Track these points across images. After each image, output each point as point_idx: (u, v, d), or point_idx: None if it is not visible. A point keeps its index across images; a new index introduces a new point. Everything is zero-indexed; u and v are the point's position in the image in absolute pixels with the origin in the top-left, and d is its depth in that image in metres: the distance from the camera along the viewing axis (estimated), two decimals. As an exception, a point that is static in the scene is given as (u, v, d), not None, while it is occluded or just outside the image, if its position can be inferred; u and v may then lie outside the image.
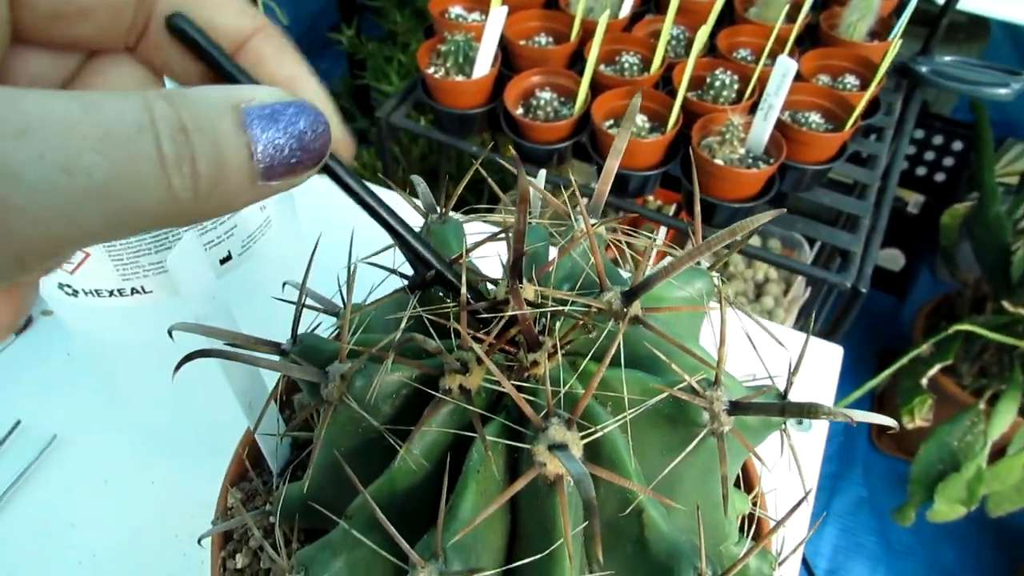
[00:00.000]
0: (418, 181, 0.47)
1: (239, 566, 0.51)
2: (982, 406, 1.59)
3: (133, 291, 0.54)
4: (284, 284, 0.54)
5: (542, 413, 0.32)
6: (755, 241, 1.67)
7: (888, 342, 2.19)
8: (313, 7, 2.84)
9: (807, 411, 0.32)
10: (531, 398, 0.35)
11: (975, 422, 1.58)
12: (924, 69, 1.34)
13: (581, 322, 0.37)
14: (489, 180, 0.48)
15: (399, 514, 0.36)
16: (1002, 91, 1.28)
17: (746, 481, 0.52)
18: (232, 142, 0.25)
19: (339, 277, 0.46)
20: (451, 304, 0.37)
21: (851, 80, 1.22)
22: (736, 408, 0.34)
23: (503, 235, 0.42)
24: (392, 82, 2.09)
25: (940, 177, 2.20)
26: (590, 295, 0.37)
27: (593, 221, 0.42)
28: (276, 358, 0.41)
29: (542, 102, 1.16)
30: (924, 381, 1.64)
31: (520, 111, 1.17)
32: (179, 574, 0.73)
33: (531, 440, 0.32)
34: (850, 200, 1.17)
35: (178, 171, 0.23)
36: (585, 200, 0.44)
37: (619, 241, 0.43)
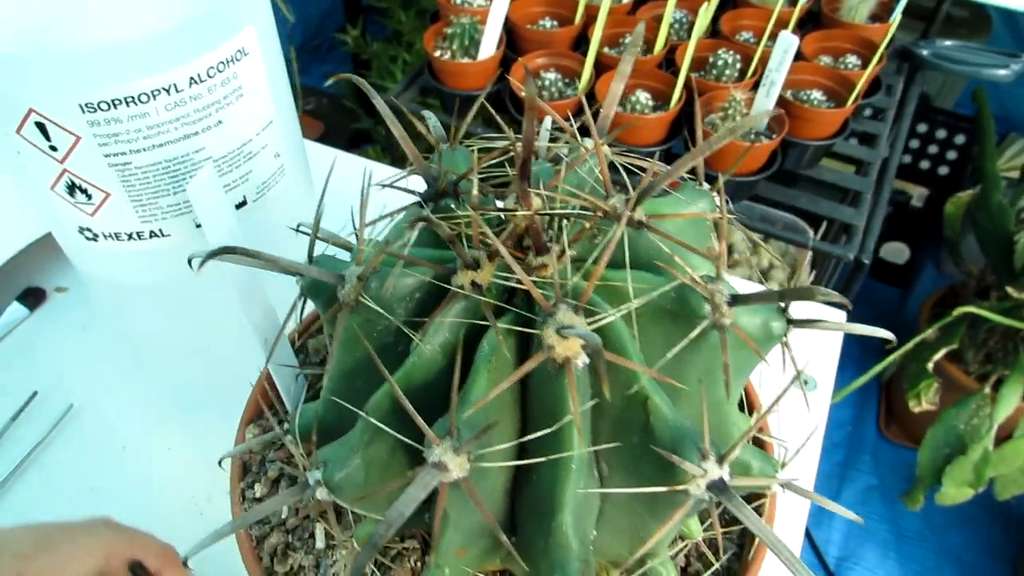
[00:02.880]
0: (428, 115, 0.49)
1: (258, 495, 0.52)
2: (988, 390, 1.59)
3: (152, 234, 0.55)
4: (298, 226, 0.56)
5: (552, 301, 0.34)
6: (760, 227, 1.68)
7: (894, 334, 2.19)
8: (320, 9, 2.87)
9: (805, 294, 0.34)
10: (541, 291, 0.36)
11: (981, 406, 1.59)
12: (925, 52, 1.35)
13: (588, 226, 0.38)
14: (496, 116, 0.50)
15: (415, 407, 0.37)
16: (1001, 72, 1.29)
17: (749, 408, 0.53)
18: None
19: (353, 208, 0.47)
20: (461, 214, 0.39)
21: (852, 60, 1.24)
22: (736, 300, 0.35)
23: (511, 154, 0.43)
24: (397, 80, 2.12)
25: (943, 171, 2.21)
26: (597, 200, 0.38)
27: (601, 140, 0.43)
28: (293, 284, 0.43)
29: (547, 82, 1.18)
30: (930, 365, 1.65)
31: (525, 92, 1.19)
32: (197, 533, 0.74)
33: (540, 325, 0.33)
34: (854, 176, 1.19)
35: None
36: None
37: (628, 165, 0.44)
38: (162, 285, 0.61)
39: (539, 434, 0.33)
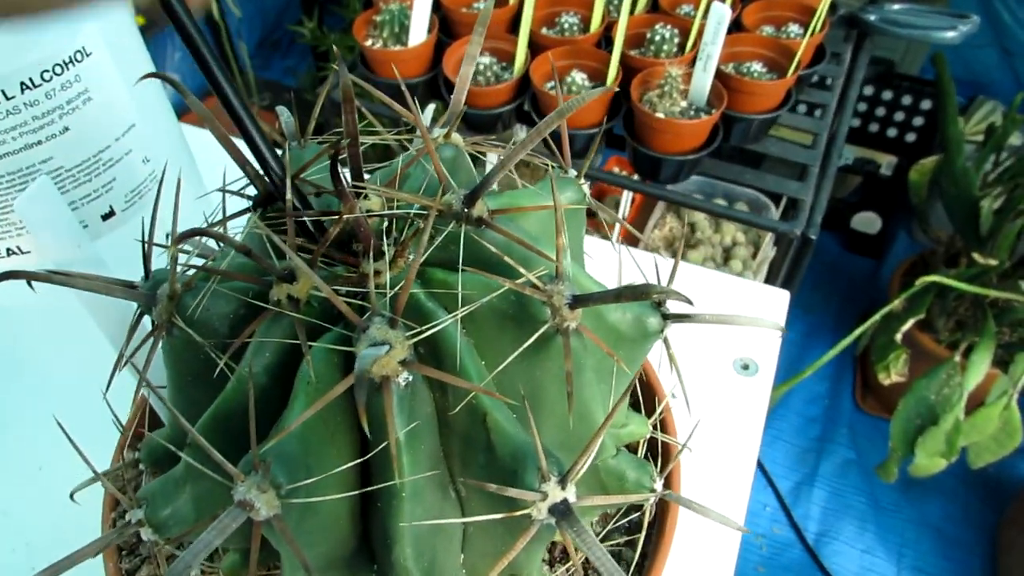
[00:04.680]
0: (281, 111, 0.45)
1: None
2: (957, 359, 1.57)
3: (9, 252, 0.52)
4: (167, 235, 0.52)
5: (366, 316, 0.31)
6: (722, 203, 1.65)
7: (868, 305, 2.17)
8: (278, 2, 2.82)
9: (641, 292, 0.31)
10: (360, 303, 0.33)
11: (951, 375, 1.57)
12: (872, 17, 1.32)
13: (422, 226, 0.35)
14: (368, 115, 0.46)
15: (237, 437, 0.34)
16: (949, 34, 1.26)
17: (648, 406, 0.50)
18: None
19: (204, 212, 0.44)
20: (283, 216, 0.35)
21: (795, 29, 1.20)
22: (577, 301, 0.32)
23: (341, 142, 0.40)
24: (353, 71, 2.07)
25: (911, 137, 2.18)
26: (430, 198, 0.35)
27: (441, 131, 0.40)
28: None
29: (482, 67, 1.14)
30: (898, 336, 1.62)
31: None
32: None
33: (355, 343, 0.30)
34: (798, 149, 1.15)
35: None
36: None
37: (480, 154, 0.41)
38: (37, 307, 0.57)
39: (356, 462, 0.30)
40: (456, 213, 0.34)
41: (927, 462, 1.56)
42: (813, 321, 2.12)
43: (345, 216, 0.33)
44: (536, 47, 1.14)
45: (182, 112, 0.73)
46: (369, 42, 1.19)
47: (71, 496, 0.44)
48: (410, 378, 0.30)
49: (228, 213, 0.40)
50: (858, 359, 2.09)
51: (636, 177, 1.59)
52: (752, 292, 0.88)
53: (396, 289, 0.32)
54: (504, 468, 0.31)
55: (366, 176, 0.40)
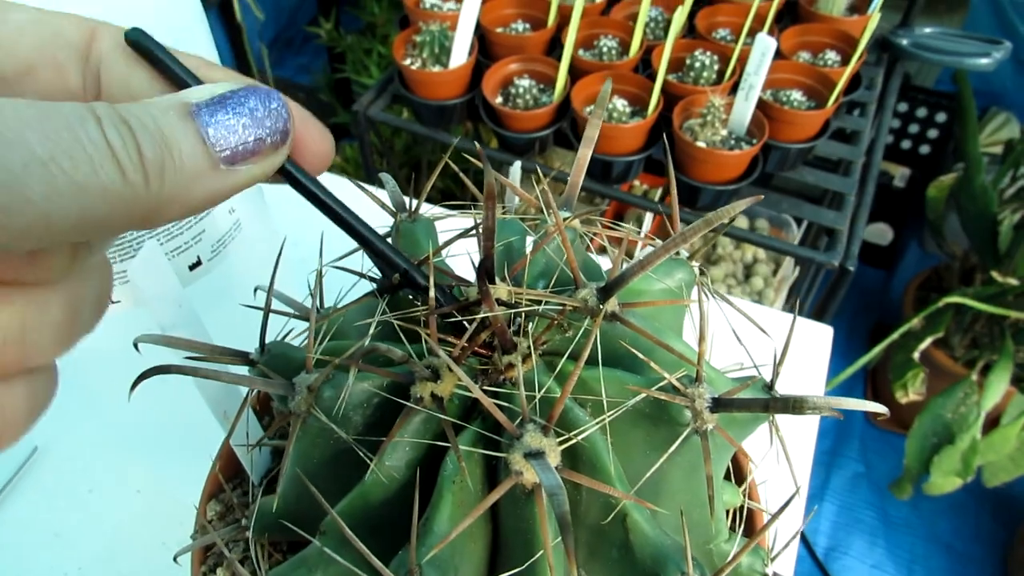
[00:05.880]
0: (386, 179, 0.45)
1: (221, 581, 0.50)
2: (975, 377, 1.58)
3: (100, 303, 0.52)
4: (256, 289, 0.53)
5: (517, 420, 0.31)
6: (743, 222, 1.66)
7: (879, 316, 2.19)
8: (292, 2, 2.81)
9: (793, 406, 0.31)
10: (506, 404, 0.34)
11: (968, 393, 1.58)
12: (905, 42, 1.32)
13: (556, 321, 0.35)
14: (462, 175, 0.47)
15: (376, 528, 0.34)
16: (983, 61, 1.26)
17: (736, 472, 0.51)
18: (178, 129, 0.25)
19: (309, 281, 0.44)
20: (421, 307, 0.36)
21: (832, 56, 1.20)
22: (719, 405, 0.33)
23: (474, 232, 0.40)
24: (372, 74, 2.07)
25: (925, 149, 2.19)
26: (565, 292, 0.35)
27: (567, 215, 0.40)
28: (243, 369, 0.40)
29: (521, 90, 1.14)
30: (916, 355, 1.63)
31: (499, 100, 1.16)
32: (171, 581, 0.72)
33: (507, 448, 0.31)
34: (835, 178, 1.16)
35: (125, 154, 0.23)
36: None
37: (595, 234, 0.41)
38: (116, 351, 0.57)
39: (511, 574, 0.31)
40: (591, 309, 0.35)
41: (942, 481, 1.57)
42: (825, 333, 2.12)
43: (487, 316, 0.33)
44: (575, 71, 1.14)
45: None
46: (408, 61, 1.19)
47: (175, 559, 0.45)
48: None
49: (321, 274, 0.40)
50: (870, 373, 2.10)
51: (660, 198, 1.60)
52: (797, 327, 0.88)
53: (543, 391, 0.33)
54: (643, 569, 0.32)
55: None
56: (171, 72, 0.29)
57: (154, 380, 0.67)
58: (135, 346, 0.42)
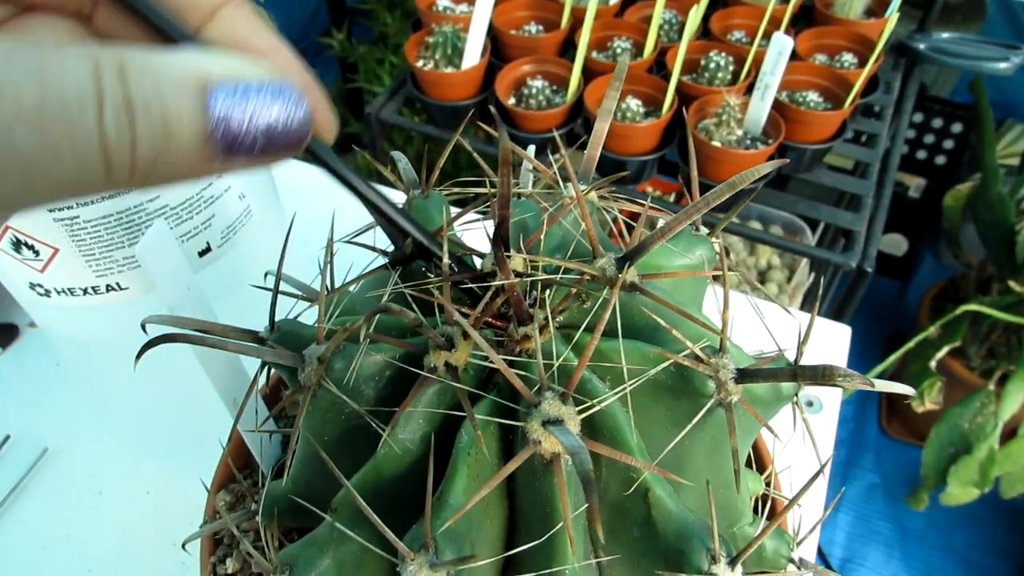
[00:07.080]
0: (399, 157, 0.45)
1: (230, 571, 0.48)
2: (992, 387, 1.56)
3: (108, 288, 0.51)
4: (266, 274, 0.52)
5: (535, 388, 0.30)
6: (757, 227, 1.64)
7: (894, 327, 2.16)
8: (305, 12, 2.81)
9: (821, 374, 0.30)
10: (523, 373, 0.32)
11: (985, 403, 1.55)
12: (922, 46, 1.31)
13: (574, 291, 0.34)
14: (478, 158, 0.46)
15: (389, 503, 0.33)
16: (1002, 65, 1.25)
17: (758, 461, 0.49)
18: (185, 112, 0.21)
19: (319, 259, 0.44)
20: (434, 278, 0.35)
21: (848, 58, 1.19)
22: (744, 376, 0.32)
23: (488, 204, 0.39)
24: (384, 84, 2.07)
25: (941, 160, 2.17)
26: (583, 263, 0.34)
27: (584, 187, 0.39)
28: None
29: (534, 90, 1.13)
30: (933, 364, 1.61)
31: (512, 101, 1.15)
32: (179, 581, 0.71)
33: (524, 417, 0.30)
34: (852, 179, 1.15)
35: (120, 153, 0.20)
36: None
37: (611, 209, 0.40)
38: (125, 340, 0.56)
39: (529, 546, 0.29)
40: (610, 279, 0.34)
41: (960, 491, 1.55)
42: (840, 343, 2.11)
43: (502, 284, 0.32)
44: (588, 71, 1.14)
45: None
46: (420, 63, 1.18)
47: (183, 546, 0.44)
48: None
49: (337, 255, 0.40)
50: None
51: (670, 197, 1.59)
52: (814, 326, 0.87)
53: (560, 360, 0.31)
54: (667, 546, 0.31)
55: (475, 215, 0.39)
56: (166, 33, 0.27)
57: (166, 380, 0.66)
58: (143, 328, 0.41)
